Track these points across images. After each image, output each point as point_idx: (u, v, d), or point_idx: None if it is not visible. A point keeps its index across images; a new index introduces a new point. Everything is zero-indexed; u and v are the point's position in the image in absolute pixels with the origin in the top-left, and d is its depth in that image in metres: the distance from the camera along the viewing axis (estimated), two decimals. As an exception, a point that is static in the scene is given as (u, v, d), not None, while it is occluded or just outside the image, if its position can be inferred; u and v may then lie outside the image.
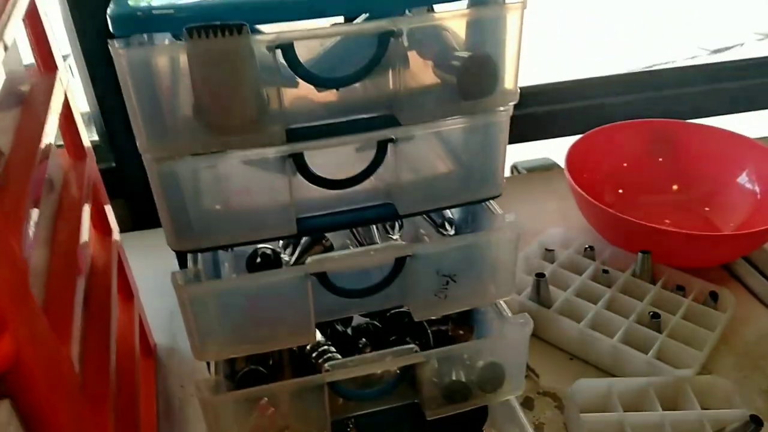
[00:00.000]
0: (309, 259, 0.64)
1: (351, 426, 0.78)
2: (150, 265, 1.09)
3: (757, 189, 1.15)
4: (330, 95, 0.61)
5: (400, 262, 0.66)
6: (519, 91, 0.62)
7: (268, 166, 0.61)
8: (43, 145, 0.57)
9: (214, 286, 0.62)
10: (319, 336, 0.78)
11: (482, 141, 0.66)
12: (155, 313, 1.04)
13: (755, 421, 0.77)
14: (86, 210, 0.71)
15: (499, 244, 0.68)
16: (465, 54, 0.60)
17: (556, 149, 1.50)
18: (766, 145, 1.16)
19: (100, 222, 0.82)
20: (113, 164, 1.22)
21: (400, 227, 0.80)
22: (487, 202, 0.71)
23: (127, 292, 0.89)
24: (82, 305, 0.68)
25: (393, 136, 0.61)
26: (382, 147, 0.61)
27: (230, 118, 0.54)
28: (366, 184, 0.65)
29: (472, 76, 0.60)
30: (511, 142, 0.68)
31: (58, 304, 0.54)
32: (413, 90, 0.60)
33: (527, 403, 0.89)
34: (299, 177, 0.62)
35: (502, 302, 0.76)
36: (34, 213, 0.57)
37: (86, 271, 0.74)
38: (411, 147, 0.65)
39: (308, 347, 0.76)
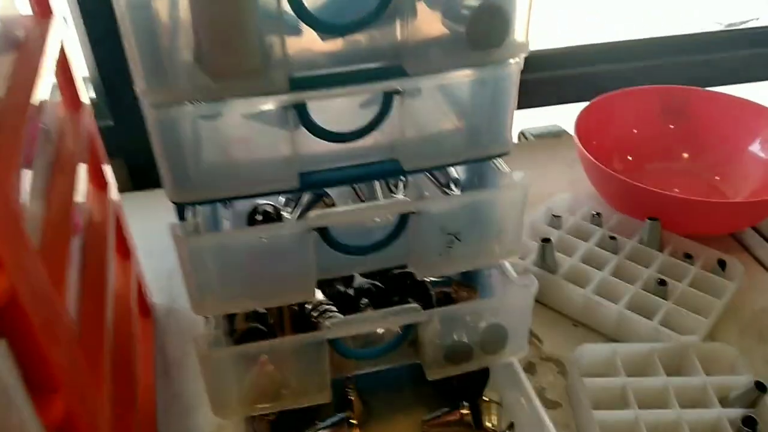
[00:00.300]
0: (311, 214, 0.62)
1: (351, 386, 0.77)
2: (150, 225, 1.08)
3: (770, 157, 1.13)
4: (335, 44, 0.59)
5: (403, 219, 0.64)
6: (529, 43, 0.60)
7: (269, 118, 0.59)
8: (38, 91, 0.55)
9: (213, 238, 0.61)
10: (320, 295, 0.77)
11: (491, 95, 0.64)
12: (154, 273, 1.02)
13: (760, 387, 0.76)
14: (82, 163, 0.69)
15: (505, 202, 0.67)
16: (475, 2, 0.58)
17: (565, 117, 1.48)
18: (779, 114, 1.14)
19: (97, 177, 0.80)
20: (112, 123, 1.19)
21: (405, 187, 0.79)
22: (494, 161, 0.70)
23: (125, 251, 0.87)
24: (78, 259, 0.67)
25: (399, 88, 0.59)
26: (387, 99, 0.60)
27: (231, 63, 0.52)
28: (370, 139, 0.63)
29: (482, 25, 0.57)
30: (519, 107, 0.66)
31: (54, 252, 0.53)
32: (421, 39, 0.58)
33: (529, 369, 0.88)
34: (302, 130, 0.60)
35: (507, 263, 0.74)
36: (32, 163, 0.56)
37: (83, 226, 0.73)
38: (417, 102, 0.63)
39: (309, 306, 0.75)
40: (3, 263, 0.37)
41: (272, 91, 0.55)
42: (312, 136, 0.60)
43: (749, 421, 0.74)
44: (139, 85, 0.52)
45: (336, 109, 0.63)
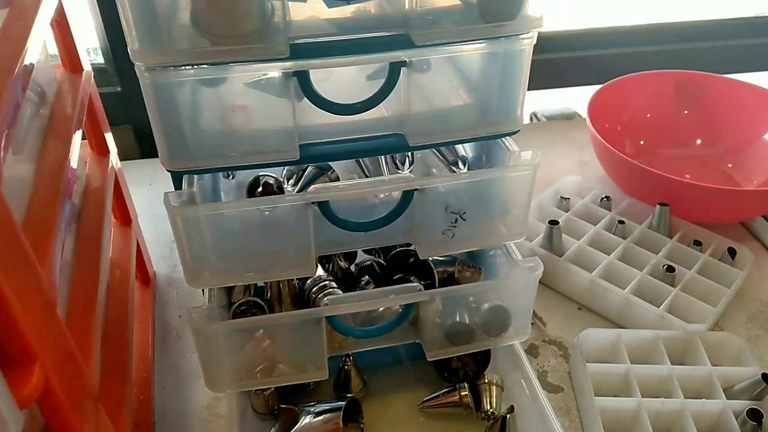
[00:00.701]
0: (312, 187, 0.61)
1: (349, 363, 0.76)
2: (155, 193, 1.07)
3: (786, 147, 1.11)
4: (341, 11, 0.57)
5: (407, 196, 0.62)
6: (543, 19, 0.58)
7: (270, 87, 0.58)
8: (30, 45, 0.53)
9: (207, 209, 0.59)
10: (320, 271, 0.75)
11: (502, 71, 0.62)
12: (157, 242, 1.02)
13: (767, 379, 0.74)
14: (80, 127, 0.67)
15: (513, 182, 0.65)
16: (488, -28, 0.55)
17: (577, 100, 1.45)
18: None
19: (96, 143, 0.78)
20: (119, 89, 1.18)
21: (411, 163, 0.77)
22: (503, 139, 0.68)
23: (125, 218, 0.86)
24: (72, 225, 0.65)
25: (406, 59, 0.57)
26: (394, 71, 0.58)
27: (229, 24, 0.50)
28: (375, 113, 0.61)
29: (495, -5, 0.55)
30: (531, 88, 0.64)
31: (39, 217, 0.51)
32: (430, 9, 0.56)
33: (532, 351, 0.86)
34: (304, 101, 0.58)
35: (512, 245, 0.73)
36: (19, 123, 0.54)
37: (80, 191, 0.71)
38: (425, 76, 0.61)
39: (308, 282, 0.74)
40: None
41: (272, 57, 0.53)
42: (314, 107, 0.58)
43: (755, 414, 0.72)
44: (133, 46, 0.51)
45: (340, 81, 0.61)
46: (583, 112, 1.09)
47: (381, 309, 0.73)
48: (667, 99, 1.20)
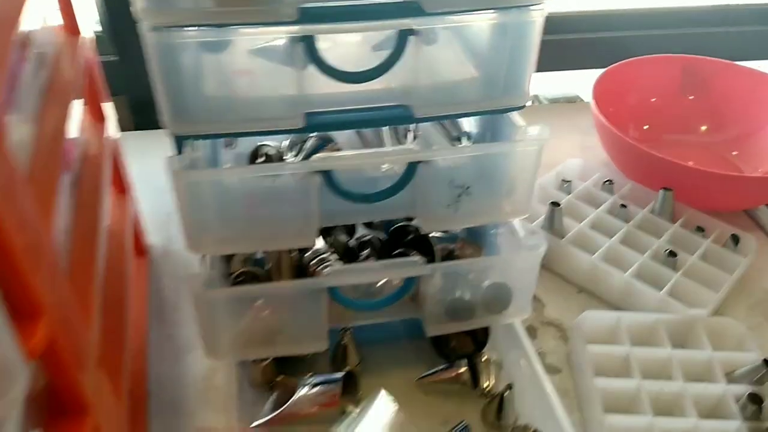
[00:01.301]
0: (315, 156, 0.60)
1: (347, 338, 0.75)
2: (150, 165, 1.06)
3: (793, 135, 1.10)
4: (350, -24, 0.56)
5: (411, 169, 0.62)
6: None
7: (277, 54, 0.57)
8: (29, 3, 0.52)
9: (210, 174, 0.58)
10: (321, 244, 0.75)
11: (511, 44, 0.61)
12: (153, 214, 1.00)
13: (768, 365, 0.74)
14: (79, 93, 0.66)
15: (519, 157, 0.64)
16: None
17: (580, 86, 1.44)
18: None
19: (94, 110, 0.77)
20: (116, 58, 1.16)
21: (414, 138, 0.76)
22: (509, 114, 0.67)
23: (121, 187, 0.85)
24: (70, 191, 0.64)
25: (415, 27, 0.56)
26: (403, 38, 0.57)
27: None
28: (381, 83, 0.60)
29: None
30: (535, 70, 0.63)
31: (42, 179, 0.50)
32: (441, -24, 0.55)
33: (530, 332, 0.86)
34: (310, 69, 0.57)
35: (516, 222, 0.72)
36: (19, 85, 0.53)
37: (78, 158, 0.70)
38: (433, 48, 0.60)
39: (308, 254, 0.73)
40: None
41: (279, 21, 0.52)
42: (320, 75, 0.57)
43: (755, 398, 0.72)
44: (138, 5, 0.50)
45: (345, 52, 0.60)
46: (586, 97, 1.08)
47: (380, 284, 0.72)
48: (674, 84, 1.19)
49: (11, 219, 0.37)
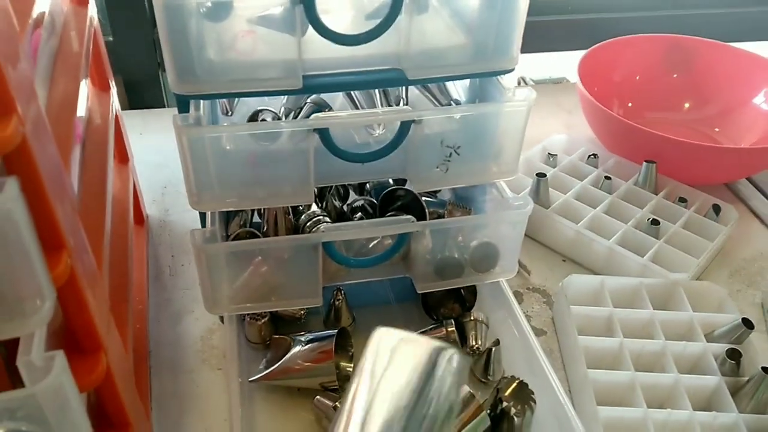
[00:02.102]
0: (312, 116, 0.62)
1: (340, 299, 0.78)
2: (144, 142, 1.11)
3: (774, 110, 1.14)
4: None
5: (404, 128, 0.64)
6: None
7: (274, 21, 0.59)
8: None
9: (214, 130, 0.61)
10: (315, 208, 0.77)
11: (500, 8, 0.64)
12: (149, 188, 1.04)
13: (747, 324, 0.77)
14: (87, 58, 0.69)
15: (507, 117, 0.67)
16: None
17: (565, 69, 1.47)
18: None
19: (99, 77, 0.80)
20: (111, 38, 1.18)
21: (405, 105, 0.79)
22: (497, 78, 0.70)
23: (123, 156, 0.87)
24: (78, 159, 0.67)
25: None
26: (397, 3, 0.59)
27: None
28: (375, 48, 0.63)
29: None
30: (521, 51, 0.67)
31: (59, 129, 0.52)
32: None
33: (517, 297, 0.89)
34: (308, 34, 0.60)
35: (503, 184, 0.75)
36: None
37: (84, 125, 0.73)
38: (425, 17, 0.63)
39: (303, 217, 0.76)
40: (13, 107, 0.37)
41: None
42: (317, 40, 0.60)
43: (734, 353, 0.75)
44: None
45: (342, 19, 0.63)
46: (572, 78, 1.11)
47: (372, 245, 0.75)
48: (657, 62, 1.23)
49: (36, 144, 0.40)
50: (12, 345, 0.43)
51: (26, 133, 0.38)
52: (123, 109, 1.21)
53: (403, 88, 0.77)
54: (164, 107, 1.29)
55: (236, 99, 0.76)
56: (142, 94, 1.26)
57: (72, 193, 0.49)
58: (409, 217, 0.68)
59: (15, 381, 0.44)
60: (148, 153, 1.08)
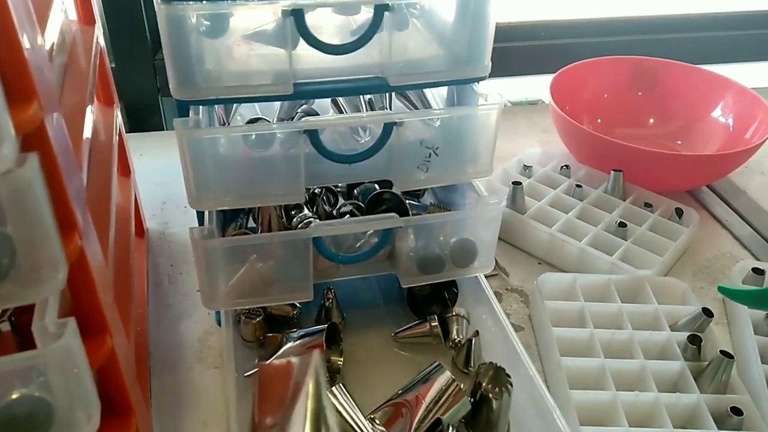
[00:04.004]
0: (303, 119, 0.68)
1: (330, 297, 0.83)
2: (145, 162, 1.17)
3: (731, 122, 1.21)
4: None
5: (387, 130, 0.70)
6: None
7: (267, 36, 0.66)
8: None
9: (212, 132, 0.66)
10: (306, 211, 0.83)
11: (471, 17, 0.70)
12: (149, 204, 1.09)
13: (706, 312, 0.83)
14: (95, 74, 0.74)
15: (481, 120, 0.73)
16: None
17: (541, 90, 1.55)
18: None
19: (104, 93, 0.85)
20: (113, 65, 1.24)
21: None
22: (472, 85, 0.76)
23: (125, 169, 0.93)
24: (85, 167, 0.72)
25: (389, 2, 0.65)
26: (379, 13, 0.66)
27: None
28: (361, 58, 0.69)
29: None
30: (496, 75, 0.73)
31: (70, 126, 0.58)
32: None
33: (496, 297, 0.94)
34: (299, 47, 0.66)
35: (479, 183, 0.81)
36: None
37: (90, 138, 0.78)
38: (404, 33, 0.70)
39: (295, 219, 0.81)
40: (35, 94, 0.43)
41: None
42: (307, 52, 0.66)
43: (694, 338, 0.81)
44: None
45: (328, 35, 0.69)
46: (547, 100, 1.18)
47: (359, 244, 0.80)
48: (624, 81, 1.30)
49: (54, 134, 0.46)
50: (24, 324, 0.47)
51: (44, 117, 0.44)
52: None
53: (387, 98, 0.83)
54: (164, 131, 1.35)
55: (232, 110, 0.82)
56: (142, 118, 1.32)
57: (82, 184, 0.54)
58: (392, 214, 0.74)
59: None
60: (149, 172, 1.13)
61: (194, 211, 0.81)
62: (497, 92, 0.73)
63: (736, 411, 0.74)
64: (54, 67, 0.65)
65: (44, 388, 0.47)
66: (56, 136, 0.47)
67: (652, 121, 1.30)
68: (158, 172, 1.15)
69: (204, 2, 0.62)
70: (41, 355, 0.46)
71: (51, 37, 0.63)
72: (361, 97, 0.84)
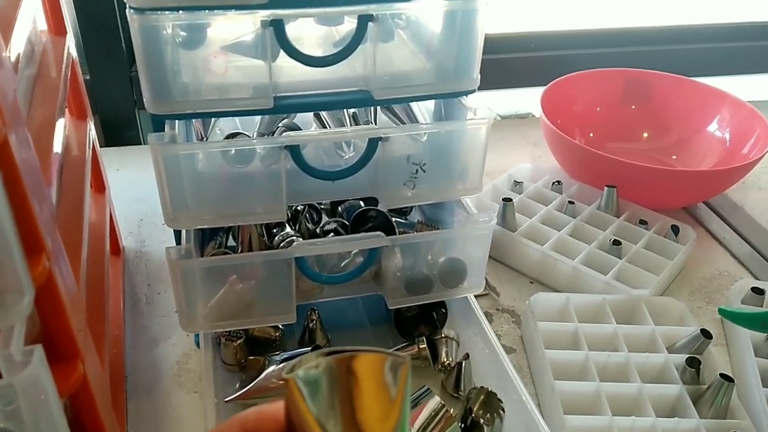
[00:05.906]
0: (284, 134, 0.65)
1: (314, 319, 0.80)
2: (121, 177, 1.13)
3: (727, 137, 1.19)
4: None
5: (372, 145, 0.67)
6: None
7: (246, 48, 0.63)
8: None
9: (188, 147, 0.63)
10: (288, 229, 0.80)
11: (459, 32, 0.67)
12: (126, 221, 1.05)
13: (705, 334, 0.80)
14: (64, 88, 0.71)
15: (469, 135, 0.70)
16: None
17: (532, 103, 1.52)
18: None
19: (77, 106, 0.82)
20: (88, 77, 1.21)
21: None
22: (459, 98, 0.73)
23: (100, 185, 0.90)
24: (56, 183, 0.69)
25: (373, 12, 0.62)
26: (362, 24, 0.63)
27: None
28: (344, 70, 0.66)
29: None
30: (483, 88, 0.70)
31: (38, 142, 0.55)
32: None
33: (486, 317, 0.90)
34: (279, 59, 0.63)
35: (468, 201, 0.78)
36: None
37: (61, 152, 0.75)
38: (389, 46, 0.67)
39: (277, 238, 0.78)
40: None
41: (250, 4, 0.58)
42: (287, 64, 0.63)
43: (693, 361, 0.78)
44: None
45: (310, 47, 0.66)
46: (537, 113, 1.15)
47: (344, 263, 0.77)
48: (616, 94, 1.28)
49: (17, 149, 0.43)
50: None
51: (7, 133, 0.41)
52: (100, 146, 1.25)
53: (371, 112, 0.80)
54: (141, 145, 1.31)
55: (211, 125, 0.79)
56: (119, 132, 1.29)
57: (51, 203, 0.51)
58: (378, 232, 0.71)
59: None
60: (125, 188, 1.09)
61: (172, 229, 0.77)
62: (486, 106, 0.70)
63: (738, 437, 0.71)
64: (21, 80, 0.62)
65: (10, 418, 0.44)
66: (21, 152, 0.44)
67: (646, 135, 1.27)
68: (135, 188, 1.11)
69: (180, 12, 0.59)
70: (7, 385, 0.43)
71: (17, 47, 0.60)
72: (345, 111, 0.81)
